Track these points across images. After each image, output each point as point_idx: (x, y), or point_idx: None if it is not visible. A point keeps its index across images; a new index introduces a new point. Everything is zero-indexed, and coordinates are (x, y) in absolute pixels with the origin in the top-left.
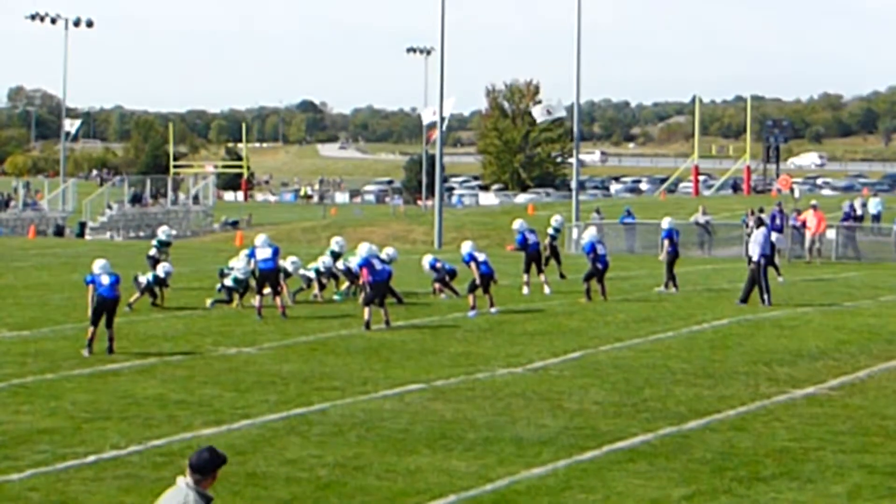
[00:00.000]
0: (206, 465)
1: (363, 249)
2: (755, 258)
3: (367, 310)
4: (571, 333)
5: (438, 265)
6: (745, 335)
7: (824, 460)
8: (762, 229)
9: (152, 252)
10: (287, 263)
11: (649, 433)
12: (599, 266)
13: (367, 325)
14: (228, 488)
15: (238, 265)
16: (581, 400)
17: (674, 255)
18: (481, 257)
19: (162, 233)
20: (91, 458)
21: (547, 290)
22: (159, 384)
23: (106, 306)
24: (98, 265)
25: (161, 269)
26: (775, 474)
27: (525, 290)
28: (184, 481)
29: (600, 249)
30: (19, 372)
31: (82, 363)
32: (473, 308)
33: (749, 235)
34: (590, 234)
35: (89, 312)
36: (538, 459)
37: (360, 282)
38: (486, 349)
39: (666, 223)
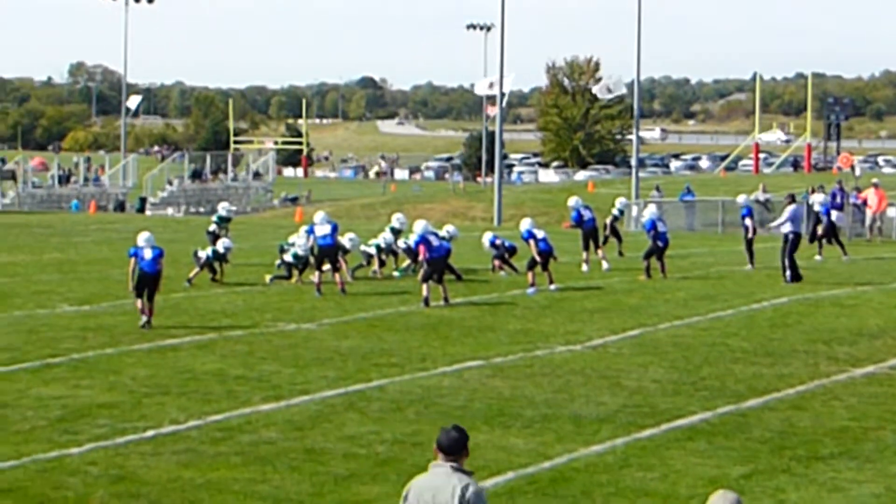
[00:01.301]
0: (456, 444)
1: (419, 227)
2: (784, 235)
3: (425, 286)
4: (630, 311)
5: (498, 242)
6: (804, 314)
7: (884, 440)
8: (793, 206)
9: (212, 228)
10: (345, 240)
11: (708, 412)
12: (660, 244)
13: (426, 302)
14: (287, 463)
15: (298, 241)
16: (640, 378)
17: (754, 232)
18: (540, 234)
19: (222, 208)
20: (150, 432)
21: (605, 265)
22: (218, 359)
23: (146, 280)
24: (142, 238)
25: (221, 245)
26: (834, 454)
27: (584, 267)
28: (444, 468)
29: (660, 227)
30: (80, 347)
31: (142, 338)
32: (532, 285)
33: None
34: (650, 211)
35: (130, 286)
36: (596, 437)
37: (419, 259)
38: (545, 326)
39: (742, 200)
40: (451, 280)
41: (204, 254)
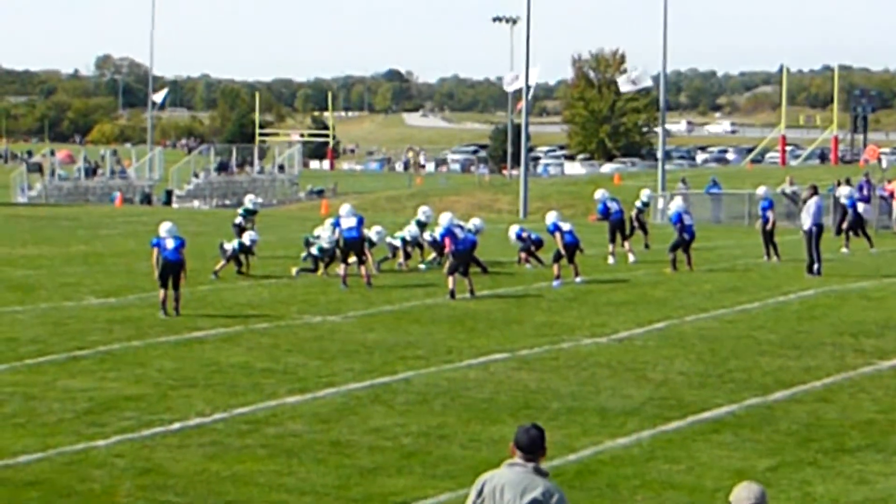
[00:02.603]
0: (536, 443)
1: (444, 219)
2: (806, 227)
3: (451, 279)
4: (656, 303)
5: (524, 235)
6: (831, 306)
7: None
8: (815, 198)
9: (238, 220)
10: (372, 233)
11: (734, 404)
12: (686, 236)
13: (452, 295)
14: (312, 456)
15: (323, 234)
16: (666, 370)
17: (773, 225)
18: (566, 227)
19: (248, 201)
20: (176, 425)
21: (632, 258)
22: (244, 352)
23: (170, 269)
24: (164, 228)
25: (247, 237)
26: (861, 446)
27: (610, 259)
28: (524, 468)
29: (687, 220)
30: (106, 339)
31: (168, 330)
32: (558, 278)
33: (835, 205)
34: (676, 204)
35: (155, 275)
36: (622, 430)
37: (445, 251)
38: (571, 319)
39: (762, 191)
40: (476, 273)
41: (230, 246)
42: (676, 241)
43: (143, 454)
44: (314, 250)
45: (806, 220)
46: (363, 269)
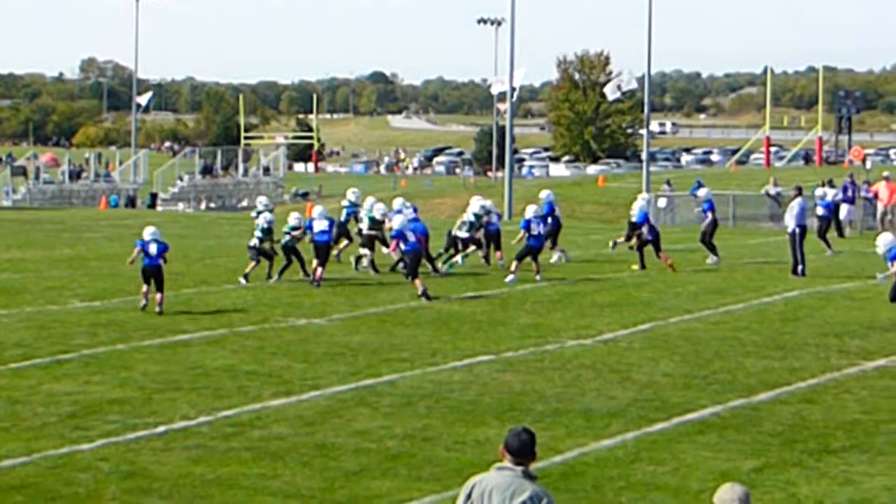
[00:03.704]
0: (526, 447)
1: (397, 221)
2: (790, 229)
3: (416, 281)
4: (641, 305)
5: (485, 218)
6: (816, 307)
7: (895, 433)
8: (798, 199)
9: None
10: (376, 212)
11: (719, 405)
12: (649, 236)
13: (426, 295)
14: (297, 459)
15: (291, 221)
16: (650, 372)
17: (713, 226)
18: (535, 230)
19: (260, 203)
20: (161, 428)
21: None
22: (229, 355)
23: (150, 273)
24: (148, 232)
25: (263, 220)
26: (846, 447)
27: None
28: (513, 472)
29: (651, 219)
30: (90, 342)
31: (152, 334)
32: (513, 273)
33: (820, 206)
34: (639, 205)
35: (129, 262)
36: (607, 431)
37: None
38: (556, 321)
39: (703, 193)
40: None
41: (254, 240)
42: (642, 240)
43: (128, 457)
44: (254, 240)
45: (790, 222)
46: (319, 270)
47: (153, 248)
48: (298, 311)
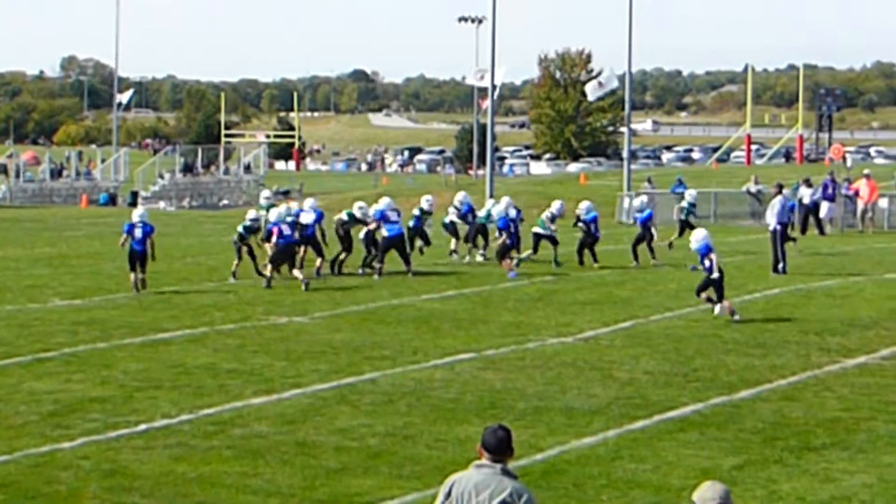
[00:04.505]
0: (504, 444)
1: (273, 214)
2: (771, 227)
3: (269, 267)
4: (622, 303)
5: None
6: (797, 305)
7: (876, 430)
8: (779, 197)
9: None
10: (356, 210)
11: (700, 403)
12: (596, 235)
13: (268, 283)
14: (278, 457)
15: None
16: (631, 369)
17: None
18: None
19: (265, 198)
20: (142, 426)
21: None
22: (210, 353)
23: (136, 256)
24: (136, 214)
25: (248, 217)
26: (826, 444)
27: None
28: (492, 469)
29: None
30: (71, 341)
31: (133, 332)
32: (511, 269)
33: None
34: (585, 206)
35: (120, 245)
36: (588, 429)
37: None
38: (537, 319)
39: (638, 203)
40: (445, 271)
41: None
42: (582, 240)
43: (109, 456)
44: (236, 237)
45: (771, 220)
46: (296, 271)
47: (138, 233)
48: (280, 310)
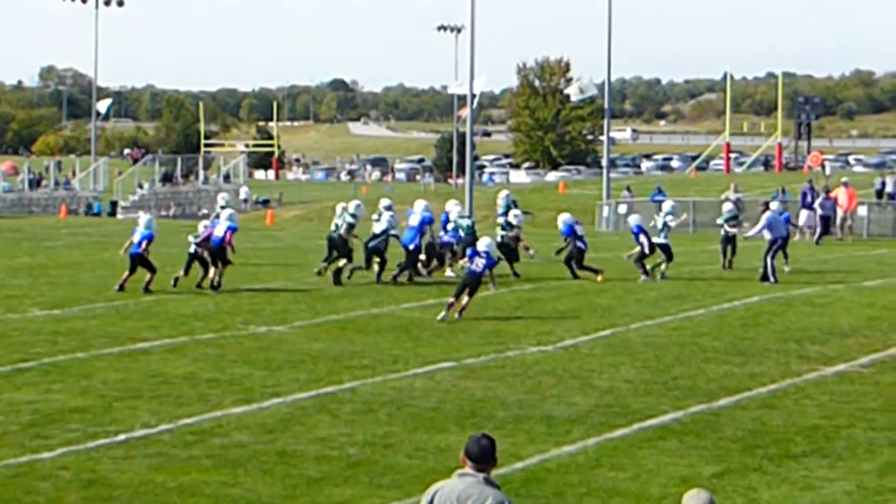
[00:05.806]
0: (487, 453)
1: (223, 215)
2: (749, 234)
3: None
4: (602, 311)
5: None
6: (776, 312)
7: (855, 438)
8: (769, 213)
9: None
10: (352, 207)
11: (679, 411)
12: (581, 246)
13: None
14: (258, 466)
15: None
16: (611, 378)
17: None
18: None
19: (222, 198)
20: (122, 436)
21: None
22: (190, 363)
23: (134, 261)
24: (140, 220)
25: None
26: (806, 452)
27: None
28: (475, 478)
29: (579, 230)
30: (50, 351)
31: (113, 342)
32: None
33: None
34: (564, 218)
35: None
36: (568, 437)
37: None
38: (517, 327)
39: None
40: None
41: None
42: (569, 253)
43: (89, 466)
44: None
45: (761, 233)
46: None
47: (136, 237)
48: (259, 319)
